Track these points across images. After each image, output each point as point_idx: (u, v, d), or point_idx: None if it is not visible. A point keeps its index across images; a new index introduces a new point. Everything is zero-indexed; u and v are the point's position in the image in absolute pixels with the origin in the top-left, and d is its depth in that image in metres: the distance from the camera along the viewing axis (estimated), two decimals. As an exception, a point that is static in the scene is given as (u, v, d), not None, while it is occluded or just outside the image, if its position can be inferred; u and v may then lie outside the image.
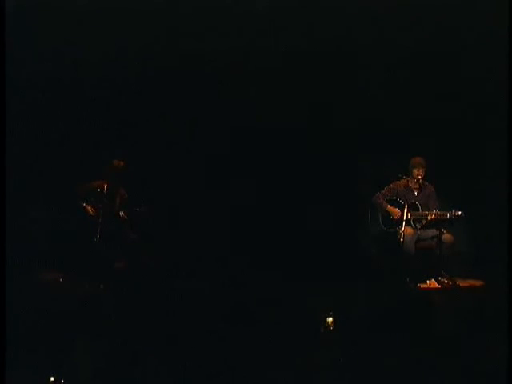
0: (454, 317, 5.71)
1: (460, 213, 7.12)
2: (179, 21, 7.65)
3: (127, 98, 8.01)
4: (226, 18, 7.63)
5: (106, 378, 4.54)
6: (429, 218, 7.25)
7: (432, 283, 7.02)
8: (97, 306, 5.71)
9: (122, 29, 7.59)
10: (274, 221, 7.94)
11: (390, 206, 7.48)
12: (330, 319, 5.17)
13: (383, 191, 7.58)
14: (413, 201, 7.42)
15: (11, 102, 5.75)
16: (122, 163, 7.43)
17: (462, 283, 7.07)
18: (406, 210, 7.25)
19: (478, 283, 7.10)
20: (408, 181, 7.44)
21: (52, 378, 4.39)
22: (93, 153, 7.81)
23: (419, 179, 7.41)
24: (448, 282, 6.99)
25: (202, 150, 8.16)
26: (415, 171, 7.41)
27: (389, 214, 7.46)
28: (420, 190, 7.53)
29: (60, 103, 7.93)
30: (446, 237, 7.22)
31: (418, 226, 7.38)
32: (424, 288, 6.90)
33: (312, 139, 8.16)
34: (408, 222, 7.27)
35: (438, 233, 7.18)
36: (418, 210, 7.40)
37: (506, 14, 6.33)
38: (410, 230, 7.27)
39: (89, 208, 7.33)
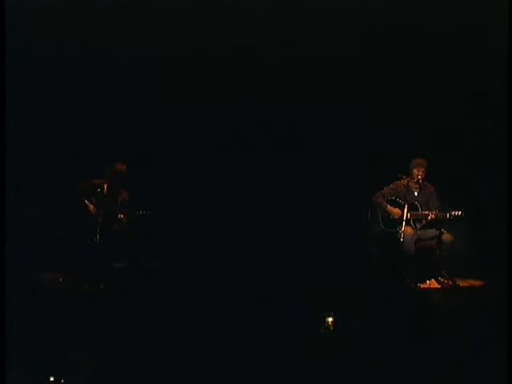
0: (453, 317, 5.71)
1: (460, 213, 7.13)
2: (179, 21, 7.64)
3: (128, 99, 8.01)
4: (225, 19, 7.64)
5: (106, 378, 4.54)
6: (429, 218, 7.25)
7: (432, 283, 7.03)
8: (97, 306, 5.71)
9: (123, 27, 7.58)
10: (274, 221, 7.93)
11: (390, 205, 7.48)
12: (329, 319, 5.17)
13: (383, 191, 7.58)
14: (413, 201, 7.42)
15: (11, 102, 5.74)
16: (124, 167, 7.44)
17: (462, 283, 7.09)
18: (406, 210, 7.25)
19: (477, 283, 7.11)
20: (408, 181, 7.42)
21: (52, 378, 4.39)
22: (94, 154, 7.80)
23: (419, 179, 7.40)
24: (448, 282, 7.00)
25: (204, 152, 8.16)
26: (415, 171, 7.41)
27: (389, 213, 7.46)
28: (420, 190, 7.53)
29: (61, 103, 7.93)
30: (446, 237, 7.22)
31: (418, 226, 7.38)
32: (424, 288, 6.92)
33: (312, 139, 8.16)
34: (408, 222, 7.27)
35: (438, 233, 7.19)
36: (418, 210, 7.40)
37: (506, 14, 6.34)
38: (409, 230, 7.27)
39: (90, 206, 7.35)
